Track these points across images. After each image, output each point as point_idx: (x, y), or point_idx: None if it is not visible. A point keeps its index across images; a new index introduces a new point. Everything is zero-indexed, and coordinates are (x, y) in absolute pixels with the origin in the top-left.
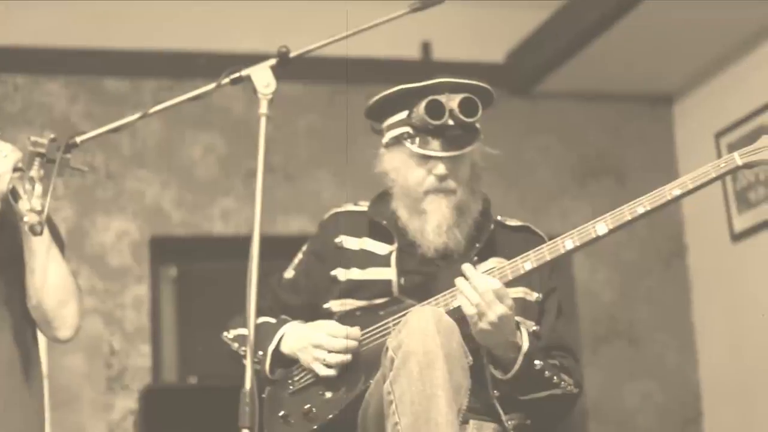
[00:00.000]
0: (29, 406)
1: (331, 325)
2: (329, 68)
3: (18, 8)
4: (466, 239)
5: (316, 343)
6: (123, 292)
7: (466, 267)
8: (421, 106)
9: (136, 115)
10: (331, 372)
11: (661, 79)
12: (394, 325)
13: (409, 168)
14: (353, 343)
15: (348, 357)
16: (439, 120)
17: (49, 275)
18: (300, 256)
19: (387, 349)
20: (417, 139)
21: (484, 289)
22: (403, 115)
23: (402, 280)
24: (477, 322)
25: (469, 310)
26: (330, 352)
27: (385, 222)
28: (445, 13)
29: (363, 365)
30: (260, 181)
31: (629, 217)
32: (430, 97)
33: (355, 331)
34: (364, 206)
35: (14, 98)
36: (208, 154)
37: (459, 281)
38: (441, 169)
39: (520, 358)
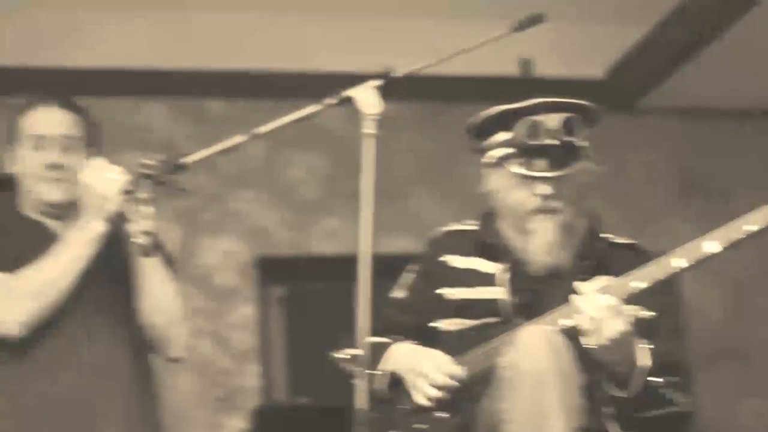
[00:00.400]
0: (147, 424)
1: (439, 358)
2: (430, 87)
3: (119, 31)
4: (573, 258)
5: (420, 371)
6: (231, 312)
7: (580, 284)
8: (522, 127)
9: (244, 137)
10: (429, 404)
11: (766, 94)
12: (504, 344)
13: (512, 189)
14: (453, 383)
15: (446, 395)
16: (540, 140)
17: (158, 295)
18: (407, 275)
19: (499, 368)
20: (519, 160)
21: (602, 304)
22: (505, 135)
23: (510, 300)
24: (596, 338)
25: (587, 326)
26: (431, 385)
27: (492, 241)
28: (544, 30)
29: (476, 385)
30: (368, 201)
31: (741, 236)
32: (531, 118)
33: (460, 371)
34: (471, 225)
35: (116, 121)
36: (312, 174)
37: (575, 298)
38: (545, 189)
39: (639, 375)
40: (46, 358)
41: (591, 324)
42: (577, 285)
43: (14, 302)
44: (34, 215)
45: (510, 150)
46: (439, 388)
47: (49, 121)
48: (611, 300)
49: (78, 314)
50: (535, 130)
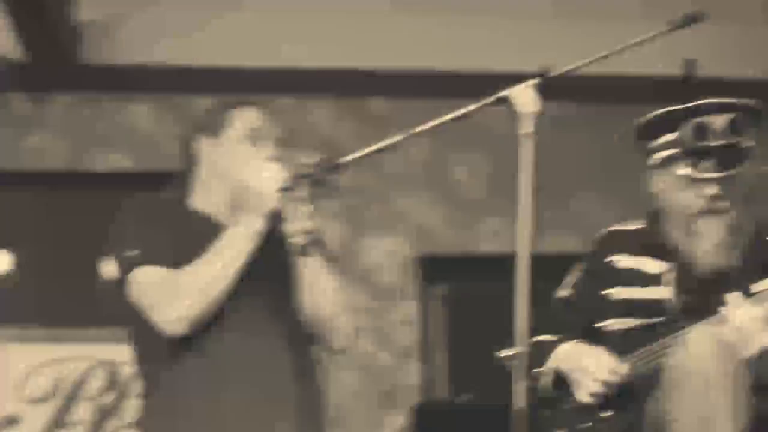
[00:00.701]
0: (311, 419)
1: (602, 355)
2: (595, 87)
3: (282, 31)
4: (741, 259)
5: (583, 368)
6: (393, 310)
7: (732, 296)
8: (689, 128)
9: (401, 136)
10: (593, 400)
11: None
12: (670, 344)
13: (679, 190)
14: (615, 380)
15: (608, 392)
16: (707, 141)
17: (318, 290)
18: (574, 274)
19: (665, 369)
20: (686, 161)
21: (751, 316)
22: (671, 136)
23: (676, 300)
24: (744, 348)
25: (734, 337)
26: (594, 381)
27: (659, 241)
28: (707, 30)
29: (641, 384)
30: (526, 201)
31: None
32: (698, 119)
33: (623, 368)
34: (637, 225)
35: (280, 120)
36: (475, 173)
37: (724, 308)
38: (713, 190)
39: None
40: (214, 355)
41: (738, 335)
42: (728, 297)
43: (178, 300)
44: (207, 211)
45: (676, 151)
46: (602, 384)
47: (265, 121)
48: (762, 311)
49: (241, 312)
50: (701, 131)
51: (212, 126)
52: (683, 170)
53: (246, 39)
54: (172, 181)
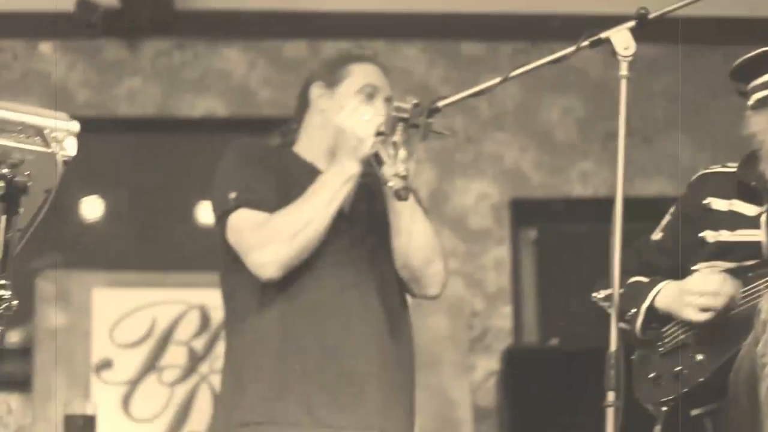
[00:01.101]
0: (401, 365)
1: (703, 272)
2: (686, 28)
3: None
4: None
5: (686, 288)
6: (484, 254)
7: None
8: None
9: (498, 79)
10: (705, 316)
11: None
12: (765, 287)
13: None
14: (728, 288)
15: (722, 302)
16: None
17: (414, 235)
18: (668, 217)
19: (759, 311)
20: None
21: None
22: None
23: None
24: None
25: None
26: (702, 295)
27: (754, 183)
28: None
29: (734, 328)
30: (622, 143)
31: None
32: None
33: (731, 279)
34: (732, 167)
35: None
36: (567, 116)
37: None
38: None
39: None
40: (304, 300)
41: None
42: None
43: (273, 244)
44: (309, 158)
45: None
46: (712, 294)
47: (380, 78)
48: None
49: (333, 257)
50: None
51: (329, 77)
52: None
53: None
54: (280, 127)
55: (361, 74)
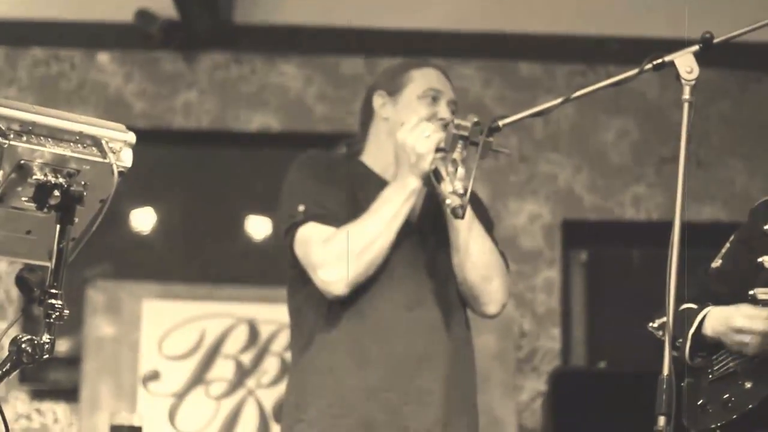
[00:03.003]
0: (464, 384)
1: (746, 308)
2: (747, 54)
3: None
4: None
5: (736, 327)
6: (534, 274)
7: None
8: None
9: (559, 100)
10: (755, 352)
11: None
12: None
13: None
14: None
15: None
16: None
17: (471, 252)
18: (727, 245)
19: None
20: None
21: None
22: None
23: None
24: None
25: None
26: (751, 334)
27: None
28: None
29: None
30: (683, 168)
31: None
32: None
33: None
34: None
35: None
36: (621, 138)
37: None
38: None
39: None
40: (370, 318)
41: None
42: None
43: (339, 262)
44: (376, 168)
45: None
46: (760, 333)
47: (442, 81)
48: None
49: (397, 274)
50: None
51: (391, 84)
52: None
53: (395, 0)
54: (336, 142)
55: (422, 79)
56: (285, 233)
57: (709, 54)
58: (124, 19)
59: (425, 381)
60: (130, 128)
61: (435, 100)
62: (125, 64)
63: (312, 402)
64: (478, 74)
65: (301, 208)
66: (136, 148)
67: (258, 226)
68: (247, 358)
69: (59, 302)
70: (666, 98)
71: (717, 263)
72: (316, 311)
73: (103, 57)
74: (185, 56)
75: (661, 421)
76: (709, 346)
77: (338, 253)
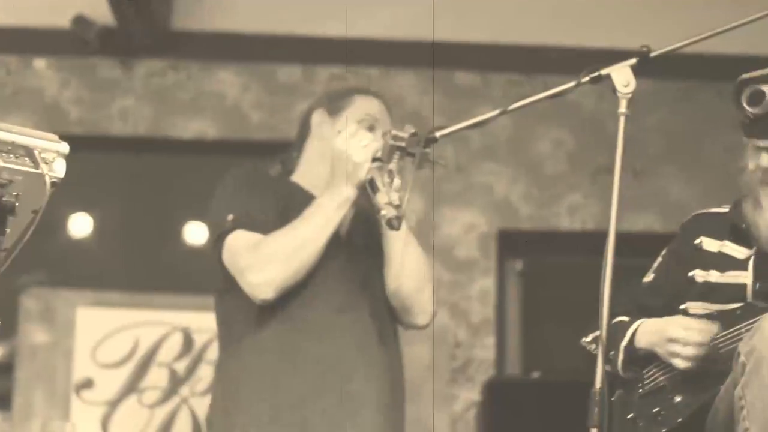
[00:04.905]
0: (394, 390)
1: (681, 319)
2: (683, 65)
3: (370, 1)
4: None
5: (671, 336)
6: (469, 284)
7: None
8: (744, 95)
9: (496, 112)
10: (689, 365)
11: None
12: (746, 330)
13: (746, 160)
14: (707, 337)
15: (704, 350)
16: (757, 108)
17: (406, 263)
18: (659, 259)
19: (738, 354)
20: (748, 129)
21: None
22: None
23: (758, 285)
24: None
25: None
26: (686, 345)
27: (744, 225)
28: None
29: (714, 370)
30: (617, 181)
31: None
32: (752, 86)
33: (710, 325)
34: (725, 209)
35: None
36: (558, 148)
37: None
38: (765, 160)
39: None
40: (298, 323)
41: None
42: None
43: (268, 266)
44: (308, 187)
45: (744, 120)
46: (695, 344)
47: (382, 112)
48: None
49: (327, 282)
50: (755, 97)
51: (331, 105)
52: (746, 139)
53: (334, 8)
54: (273, 151)
55: (363, 106)
56: (214, 243)
57: (648, 66)
58: (60, 25)
59: (358, 386)
60: (65, 135)
61: (372, 128)
62: (62, 71)
63: (244, 407)
64: (415, 83)
65: (230, 217)
66: (72, 155)
67: (195, 234)
68: (181, 367)
69: None
70: (602, 109)
71: (649, 277)
72: (246, 317)
73: (39, 63)
74: (122, 63)
75: None
76: (641, 359)
77: (266, 258)
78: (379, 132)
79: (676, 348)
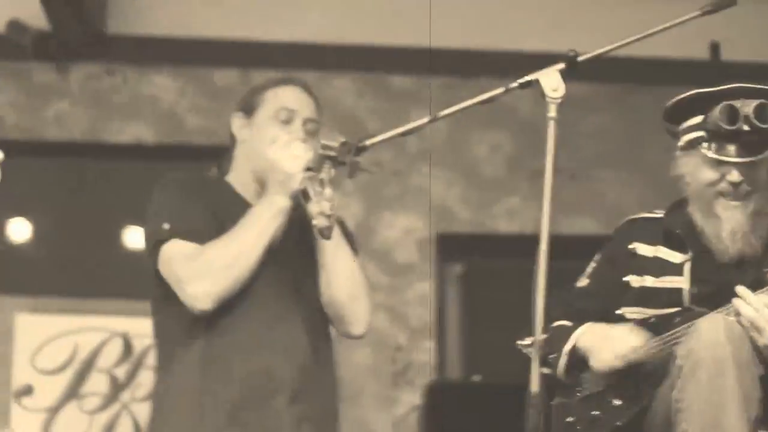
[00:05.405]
0: (325, 402)
1: (623, 331)
2: (618, 68)
3: (305, 5)
4: (762, 246)
5: (605, 341)
6: (408, 288)
7: (741, 290)
8: (716, 111)
9: (426, 119)
10: (607, 370)
11: None
12: (682, 334)
13: (702, 171)
14: (635, 356)
15: (627, 366)
16: (733, 125)
17: (339, 271)
18: (593, 264)
19: (676, 357)
20: (712, 144)
21: (759, 306)
22: (699, 119)
23: (694, 289)
24: (759, 338)
25: (746, 326)
26: (614, 355)
27: (679, 231)
28: (733, 14)
29: (652, 373)
30: (549, 186)
31: None
32: (725, 102)
33: (641, 344)
34: (659, 214)
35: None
36: (495, 152)
37: (735, 301)
38: (735, 175)
39: None
40: (232, 334)
41: (751, 323)
42: (738, 290)
43: (205, 276)
44: (239, 190)
45: (703, 134)
46: (622, 358)
47: (298, 100)
48: None
49: (261, 291)
50: (730, 115)
51: (247, 106)
52: (708, 153)
53: (270, 12)
54: (208, 155)
55: (275, 99)
56: (150, 251)
57: (575, 71)
58: None
59: (282, 402)
60: (2, 141)
61: (288, 121)
62: None
63: (170, 422)
64: (351, 86)
65: (166, 225)
66: (8, 160)
67: (133, 239)
68: (121, 372)
69: None
70: (538, 112)
71: (583, 282)
72: (178, 327)
73: None
74: (57, 67)
75: None
76: (581, 363)
77: (203, 268)
78: (298, 122)
79: (604, 352)
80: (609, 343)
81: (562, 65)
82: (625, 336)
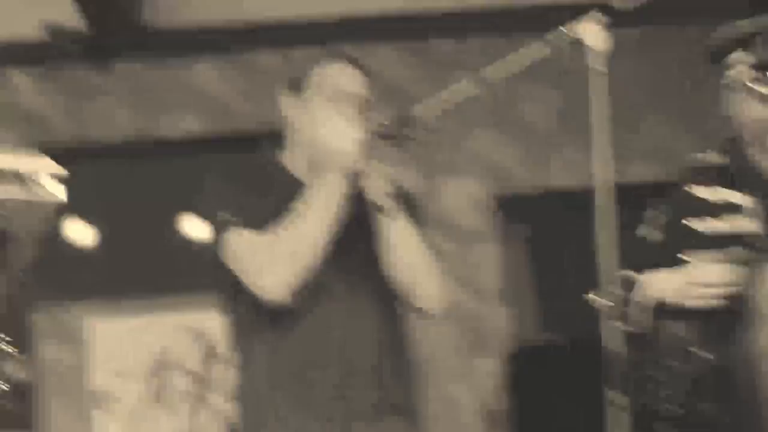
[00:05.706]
0: (403, 379)
1: (700, 264)
2: (656, 9)
3: None
4: None
5: (702, 281)
6: (474, 253)
7: None
8: (760, 42)
9: (473, 84)
10: (712, 304)
11: None
12: (757, 276)
13: (753, 108)
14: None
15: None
16: None
17: (404, 250)
18: (654, 211)
19: (754, 301)
20: (759, 77)
21: None
22: (743, 53)
23: (762, 229)
24: None
25: None
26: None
27: (739, 170)
28: None
29: (730, 321)
30: (600, 136)
31: None
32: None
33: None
34: (720, 155)
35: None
36: (546, 108)
37: None
38: None
39: None
40: (308, 324)
41: None
42: None
43: (274, 267)
44: (294, 171)
45: (748, 67)
46: (715, 287)
47: (346, 76)
48: None
49: (330, 277)
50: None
51: (294, 84)
52: (756, 86)
53: None
54: (264, 141)
55: (322, 77)
56: (213, 243)
57: (619, 16)
58: (33, 35)
59: (362, 387)
60: (53, 146)
61: (337, 98)
62: (40, 81)
63: (255, 416)
64: (392, 55)
65: (224, 215)
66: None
67: (194, 231)
68: (198, 368)
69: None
70: (581, 62)
71: (647, 229)
72: (253, 320)
73: (15, 75)
74: (99, 66)
75: (611, 394)
76: (656, 312)
77: (271, 259)
78: (349, 98)
79: (693, 289)
80: (680, 279)
81: (602, 16)
82: (696, 271)
